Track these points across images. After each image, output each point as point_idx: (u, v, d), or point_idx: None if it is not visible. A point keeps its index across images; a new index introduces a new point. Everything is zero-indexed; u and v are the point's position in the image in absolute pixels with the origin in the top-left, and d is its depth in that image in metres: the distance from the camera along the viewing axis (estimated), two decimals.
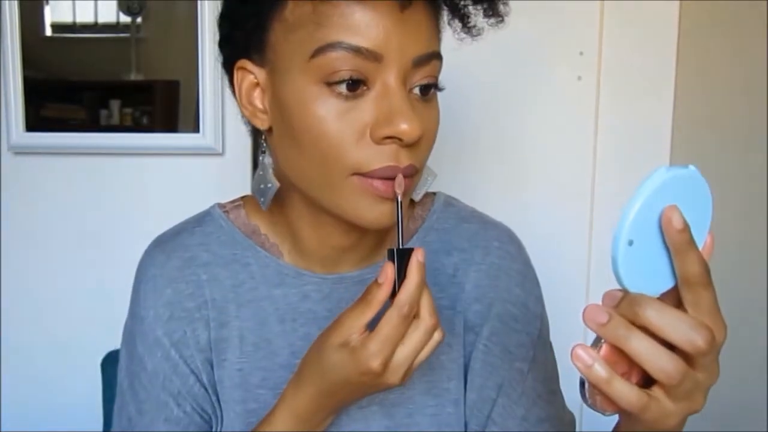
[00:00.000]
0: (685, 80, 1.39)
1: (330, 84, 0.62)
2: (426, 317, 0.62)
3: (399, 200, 0.64)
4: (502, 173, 1.43)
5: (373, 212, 0.65)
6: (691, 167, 0.49)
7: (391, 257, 0.62)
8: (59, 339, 1.43)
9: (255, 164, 1.46)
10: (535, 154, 1.43)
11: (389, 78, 0.62)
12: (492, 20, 0.68)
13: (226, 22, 0.70)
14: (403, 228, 0.64)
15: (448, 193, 0.84)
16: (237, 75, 0.69)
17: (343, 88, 0.62)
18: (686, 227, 0.48)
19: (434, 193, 0.82)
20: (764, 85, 1.18)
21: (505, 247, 0.80)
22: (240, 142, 1.41)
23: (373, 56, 0.61)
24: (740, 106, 1.29)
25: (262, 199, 0.70)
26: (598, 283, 1.45)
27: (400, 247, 0.63)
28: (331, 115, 0.62)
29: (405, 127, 0.61)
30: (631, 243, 0.48)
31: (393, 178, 0.63)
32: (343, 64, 0.61)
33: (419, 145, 0.64)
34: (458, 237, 0.79)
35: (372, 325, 0.63)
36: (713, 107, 1.36)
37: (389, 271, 0.61)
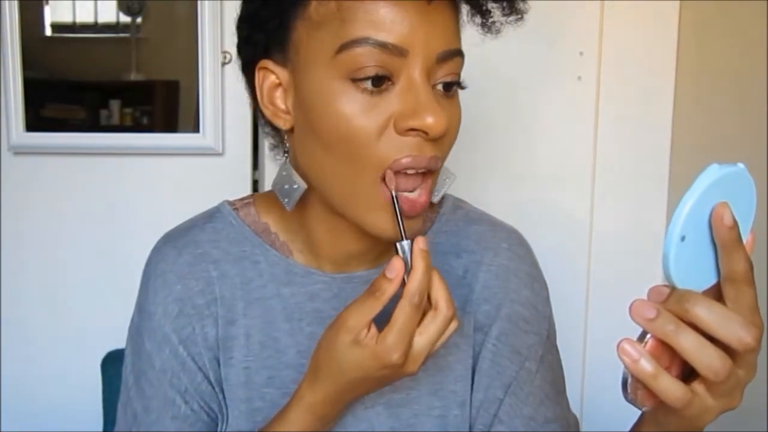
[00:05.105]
0: (685, 80, 1.39)
1: (355, 80, 0.62)
2: (443, 308, 0.63)
3: (394, 194, 0.64)
4: (502, 173, 1.43)
5: (394, 228, 0.66)
6: (740, 165, 0.50)
7: (397, 251, 0.63)
8: (59, 339, 1.43)
9: (255, 164, 1.46)
10: (535, 153, 1.43)
11: (414, 73, 0.63)
12: (511, 18, 0.68)
13: (245, 23, 0.70)
14: (402, 222, 0.64)
15: (448, 194, 0.84)
16: (258, 75, 0.69)
17: (368, 83, 0.62)
18: (735, 224, 0.49)
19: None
20: (764, 84, 1.18)
21: (514, 249, 0.80)
22: (240, 142, 1.41)
23: (398, 51, 0.62)
24: (740, 106, 1.29)
25: (286, 200, 0.70)
26: (599, 283, 1.45)
27: (403, 239, 0.63)
28: (356, 111, 0.63)
29: (431, 121, 0.62)
30: (683, 239, 0.48)
31: (419, 173, 0.65)
32: (368, 59, 0.62)
33: (443, 139, 0.65)
34: (467, 239, 0.79)
35: (377, 320, 0.63)
36: (713, 107, 1.36)
37: (398, 265, 0.62)
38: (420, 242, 0.62)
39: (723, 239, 0.49)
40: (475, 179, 1.40)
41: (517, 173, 1.43)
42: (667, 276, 0.50)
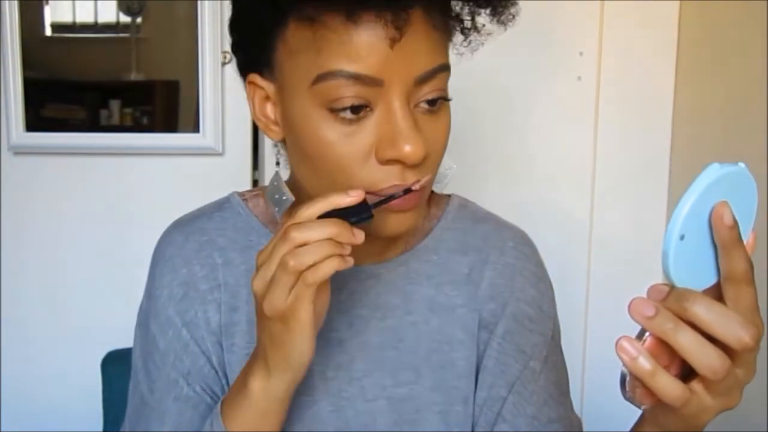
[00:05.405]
0: (685, 80, 1.39)
1: (333, 110, 0.62)
2: (288, 255, 0.59)
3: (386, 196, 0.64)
4: (502, 173, 1.43)
5: (389, 224, 0.66)
6: (741, 164, 0.50)
7: (361, 207, 0.61)
8: (59, 339, 1.43)
9: (255, 164, 1.46)
10: (535, 154, 1.43)
11: (392, 100, 0.62)
12: (500, 21, 0.68)
13: (235, 30, 0.70)
14: (379, 203, 0.63)
15: (448, 193, 0.84)
16: (249, 89, 0.70)
17: (346, 113, 0.62)
18: (735, 224, 0.49)
19: (449, 195, 0.83)
20: (764, 84, 1.18)
21: (520, 248, 0.80)
22: (240, 142, 1.41)
23: (373, 82, 0.61)
24: (740, 106, 1.29)
25: (276, 209, 0.71)
26: (599, 282, 1.45)
27: (372, 207, 0.62)
28: (336, 139, 0.63)
29: (408, 149, 0.62)
30: (682, 237, 0.48)
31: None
32: (344, 91, 0.62)
33: (426, 161, 0.65)
34: (474, 237, 0.80)
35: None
36: (713, 107, 1.36)
37: (323, 201, 0.61)
38: (354, 193, 0.60)
39: (723, 239, 0.49)
40: (475, 180, 1.40)
41: (516, 173, 1.43)
42: (666, 274, 0.50)
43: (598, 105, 1.40)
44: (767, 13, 1.17)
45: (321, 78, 0.62)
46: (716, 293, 0.51)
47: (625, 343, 0.49)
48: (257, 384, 0.65)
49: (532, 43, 1.36)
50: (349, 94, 0.61)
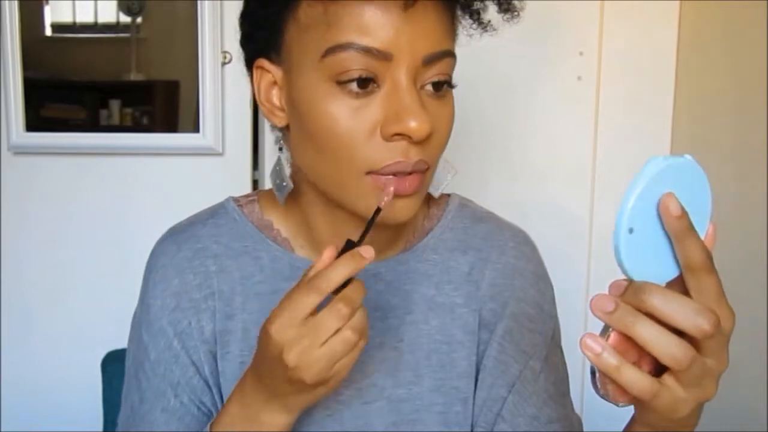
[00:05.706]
0: (685, 80, 1.39)
1: (341, 83, 0.63)
2: (342, 306, 0.60)
3: (380, 206, 0.64)
4: (502, 173, 1.43)
5: (391, 211, 0.66)
6: (687, 156, 0.50)
7: (345, 248, 0.62)
8: (59, 339, 1.43)
9: (255, 164, 1.46)
10: (535, 153, 1.43)
11: (399, 76, 0.63)
12: (507, 15, 0.69)
13: (246, 21, 0.72)
14: (367, 230, 0.64)
15: (448, 193, 0.84)
16: (256, 73, 0.71)
17: (353, 86, 0.63)
18: (684, 214, 0.48)
19: (448, 195, 0.83)
20: (764, 84, 1.18)
21: (520, 248, 0.81)
22: (240, 142, 1.41)
23: (383, 56, 0.62)
24: (740, 106, 1.29)
25: (279, 194, 0.72)
26: (599, 283, 1.45)
27: (357, 241, 0.63)
28: (342, 113, 0.64)
29: (414, 125, 0.62)
30: (631, 231, 0.48)
31: (405, 173, 0.65)
32: (353, 63, 0.63)
33: (430, 141, 0.65)
34: (474, 236, 0.80)
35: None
36: (713, 107, 1.36)
37: (325, 256, 0.61)
38: (364, 250, 0.61)
39: (673, 229, 0.49)
40: (475, 179, 1.40)
41: (516, 173, 1.43)
42: (621, 268, 0.50)
43: (598, 105, 1.40)
44: (767, 13, 1.17)
45: (330, 51, 0.63)
46: (681, 286, 0.51)
47: (588, 340, 0.49)
48: (278, 421, 0.66)
49: (532, 43, 1.36)
50: (358, 66, 0.62)
